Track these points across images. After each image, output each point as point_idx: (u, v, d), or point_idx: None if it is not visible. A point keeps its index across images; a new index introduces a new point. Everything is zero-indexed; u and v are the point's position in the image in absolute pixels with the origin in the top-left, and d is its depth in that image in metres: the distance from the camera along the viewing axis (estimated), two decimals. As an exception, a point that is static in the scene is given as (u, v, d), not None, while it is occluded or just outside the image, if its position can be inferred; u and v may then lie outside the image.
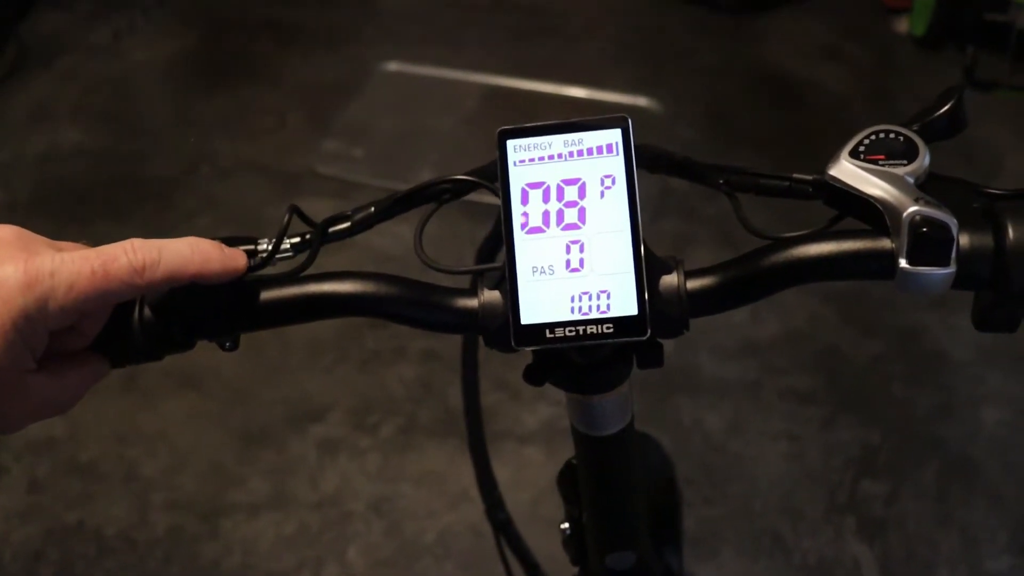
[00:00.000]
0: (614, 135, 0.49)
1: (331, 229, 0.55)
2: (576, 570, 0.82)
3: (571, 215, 0.49)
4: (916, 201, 0.46)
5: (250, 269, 0.51)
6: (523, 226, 0.49)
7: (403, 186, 0.56)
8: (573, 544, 0.78)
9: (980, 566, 1.63)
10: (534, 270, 0.49)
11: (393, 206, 0.56)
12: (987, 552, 1.65)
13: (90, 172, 2.57)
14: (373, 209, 0.56)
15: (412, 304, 0.52)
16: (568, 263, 0.49)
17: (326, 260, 0.52)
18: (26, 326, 0.43)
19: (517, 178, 0.50)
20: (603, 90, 2.74)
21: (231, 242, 0.52)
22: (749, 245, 0.51)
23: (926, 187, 0.49)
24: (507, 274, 0.49)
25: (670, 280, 0.50)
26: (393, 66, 2.87)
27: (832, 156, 0.50)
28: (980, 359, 1.96)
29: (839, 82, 2.79)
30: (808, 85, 2.77)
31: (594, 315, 0.48)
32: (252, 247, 0.53)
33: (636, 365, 0.54)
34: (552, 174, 0.50)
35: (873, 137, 0.50)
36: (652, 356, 0.53)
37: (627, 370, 0.57)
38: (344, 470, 1.82)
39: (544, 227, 0.49)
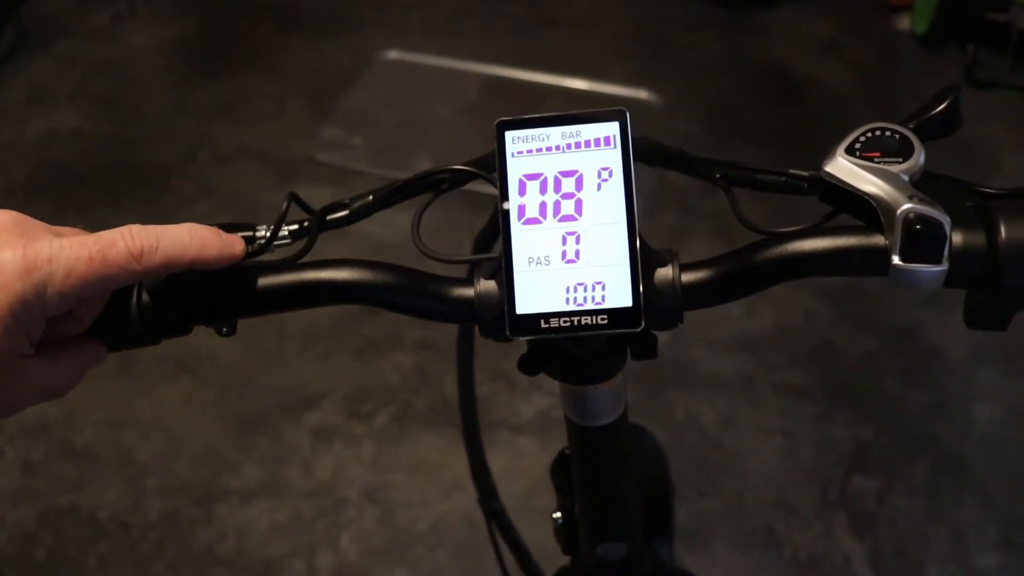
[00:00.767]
0: (612, 128, 0.50)
1: (329, 217, 0.56)
2: (567, 560, 0.83)
3: (568, 207, 0.50)
4: (910, 199, 0.47)
5: (248, 255, 0.52)
6: (520, 217, 0.50)
7: (402, 175, 0.56)
8: (565, 534, 0.79)
9: (969, 563, 1.64)
10: (530, 260, 0.49)
11: (391, 195, 0.56)
12: (976, 549, 1.66)
13: (88, 157, 2.56)
14: (371, 198, 0.56)
15: (408, 292, 0.52)
16: (564, 254, 0.49)
17: (324, 249, 0.52)
18: (24, 312, 0.43)
19: (515, 169, 0.50)
20: (603, 82, 2.74)
21: (230, 228, 0.52)
22: (746, 240, 0.52)
23: (921, 185, 0.49)
24: (503, 264, 0.50)
25: (665, 273, 0.50)
26: (393, 54, 2.87)
27: (828, 152, 0.51)
28: (973, 357, 1.97)
29: (839, 79, 2.78)
30: (808, 81, 2.77)
31: (589, 306, 0.49)
32: (250, 233, 0.53)
33: (630, 357, 0.55)
34: (549, 165, 0.50)
35: (869, 134, 0.50)
36: (646, 348, 0.53)
37: (621, 361, 0.57)
38: (338, 458, 1.82)
39: (541, 218, 0.50)
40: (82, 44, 2.99)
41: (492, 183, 0.51)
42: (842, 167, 0.50)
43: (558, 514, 0.79)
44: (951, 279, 0.47)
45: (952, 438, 1.83)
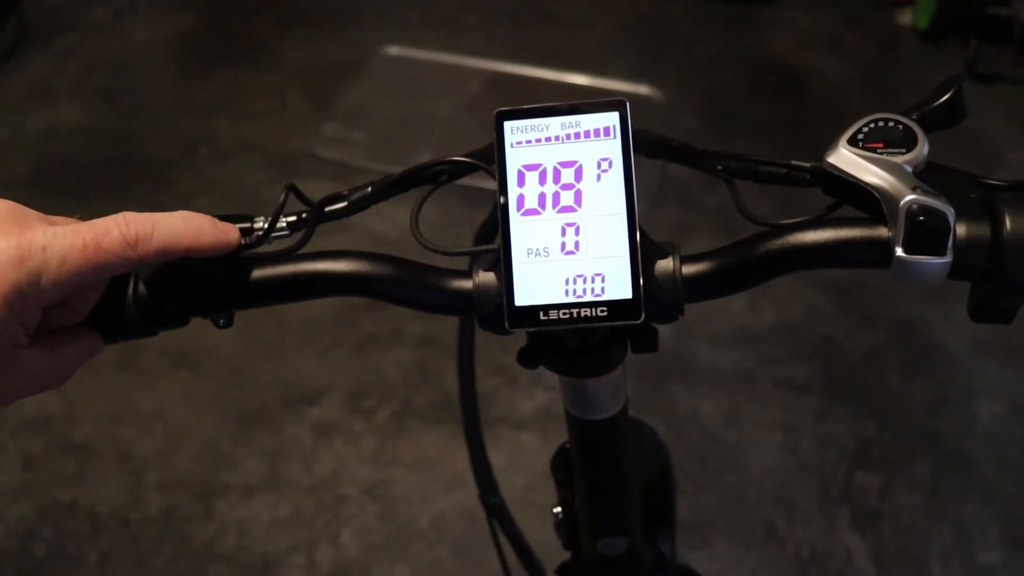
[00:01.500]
0: (612, 118, 0.49)
1: (328, 208, 0.55)
2: (568, 555, 0.82)
3: (567, 197, 0.49)
4: (913, 190, 0.46)
5: (246, 247, 0.51)
6: (519, 208, 0.49)
7: (401, 170, 0.56)
8: (565, 528, 0.78)
9: (972, 559, 1.64)
10: (529, 252, 0.49)
11: (390, 186, 0.56)
12: (979, 545, 1.65)
13: (89, 151, 2.56)
14: (370, 189, 0.56)
15: (407, 284, 0.52)
16: (563, 245, 0.49)
17: (322, 242, 0.52)
18: (18, 301, 0.43)
19: (514, 160, 0.50)
20: (604, 77, 2.74)
21: (228, 220, 0.51)
22: (748, 234, 0.51)
23: (924, 176, 0.48)
24: (502, 255, 0.49)
25: (665, 265, 0.50)
26: (394, 50, 2.86)
27: (831, 143, 0.50)
28: (976, 352, 1.96)
29: (841, 73, 2.78)
30: (810, 76, 2.77)
31: (588, 298, 0.48)
32: (248, 225, 0.53)
33: (631, 350, 0.54)
34: (549, 156, 0.49)
35: (872, 125, 0.50)
36: (647, 341, 0.52)
37: (621, 354, 0.57)
38: (339, 453, 1.82)
39: (540, 209, 0.49)
40: (83, 39, 2.99)
41: (491, 174, 0.51)
42: (845, 158, 0.49)
43: (559, 509, 0.79)
44: (955, 271, 0.46)
45: (955, 434, 1.82)
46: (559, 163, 0.49)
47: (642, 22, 3.05)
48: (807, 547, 1.67)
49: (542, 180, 0.49)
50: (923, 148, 0.49)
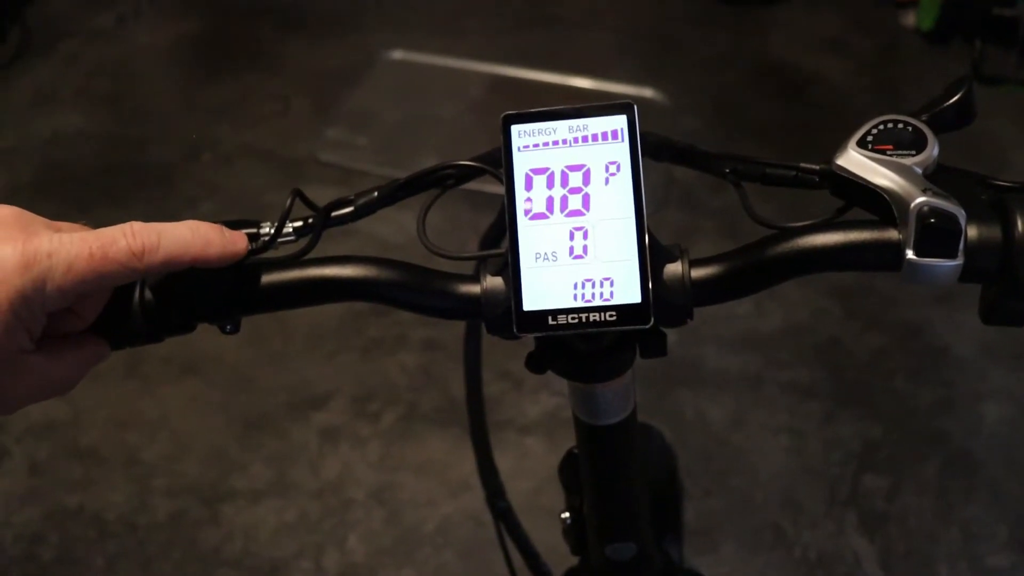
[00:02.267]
0: (619, 121, 0.49)
1: (334, 213, 0.55)
2: (576, 560, 0.82)
3: (575, 201, 0.49)
4: (924, 192, 0.46)
5: (252, 252, 0.51)
6: (527, 212, 0.49)
7: (407, 174, 0.56)
8: (573, 534, 0.78)
9: (980, 562, 1.63)
10: (537, 256, 0.49)
11: (397, 191, 0.55)
12: (987, 548, 1.65)
13: (93, 157, 2.56)
14: (376, 194, 0.55)
15: (414, 289, 0.51)
16: (571, 250, 0.48)
17: (328, 248, 0.52)
18: (23, 307, 0.43)
19: (521, 163, 0.49)
20: (607, 80, 2.73)
21: (234, 226, 0.51)
22: (755, 238, 0.51)
23: (934, 178, 0.48)
24: (510, 260, 0.49)
25: (674, 268, 0.50)
26: (397, 54, 2.86)
27: (839, 145, 0.50)
28: (983, 355, 1.96)
29: (845, 75, 2.77)
30: (813, 78, 2.76)
31: (597, 302, 0.48)
32: (255, 230, 0.52)
33: (639, 354, 0.54)
34: (556, 160, 0.49)
35: (881, 127, 0.49)
36: (656, 345, 0.52)
37: (630, 359, 0.56)
38: (345, 458, 1.82)
39: (548, 213, 0.49)
40: (86, 45, 2.99)
41: (498, 178, 0.50)
42: (854, 160, 0.49)
43: (566, 514, 0.78)
44: (966, 274, 0.46)
45: (962, 436, 1.82)
46: (567, 167, 0.49)
47: (644, 24, 3.05)
48: (814, 550, 1.66)
49: (550, 184, 0.49)
50: (933, 150, 0.49)
